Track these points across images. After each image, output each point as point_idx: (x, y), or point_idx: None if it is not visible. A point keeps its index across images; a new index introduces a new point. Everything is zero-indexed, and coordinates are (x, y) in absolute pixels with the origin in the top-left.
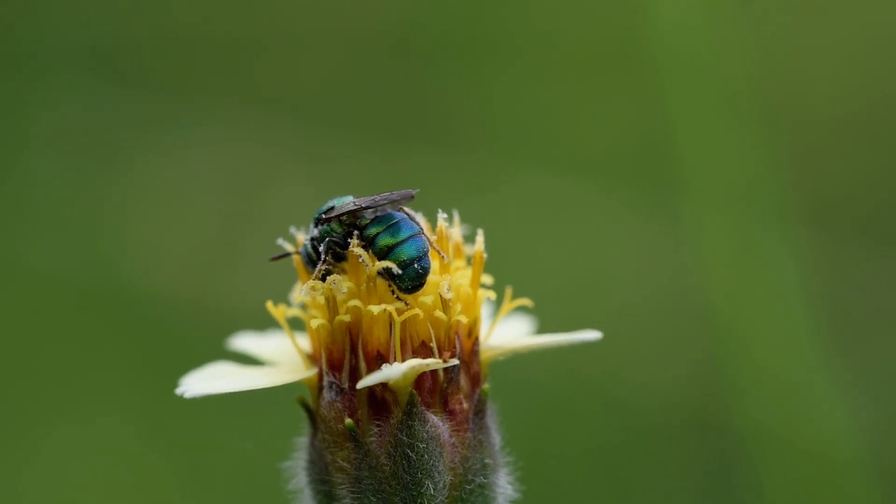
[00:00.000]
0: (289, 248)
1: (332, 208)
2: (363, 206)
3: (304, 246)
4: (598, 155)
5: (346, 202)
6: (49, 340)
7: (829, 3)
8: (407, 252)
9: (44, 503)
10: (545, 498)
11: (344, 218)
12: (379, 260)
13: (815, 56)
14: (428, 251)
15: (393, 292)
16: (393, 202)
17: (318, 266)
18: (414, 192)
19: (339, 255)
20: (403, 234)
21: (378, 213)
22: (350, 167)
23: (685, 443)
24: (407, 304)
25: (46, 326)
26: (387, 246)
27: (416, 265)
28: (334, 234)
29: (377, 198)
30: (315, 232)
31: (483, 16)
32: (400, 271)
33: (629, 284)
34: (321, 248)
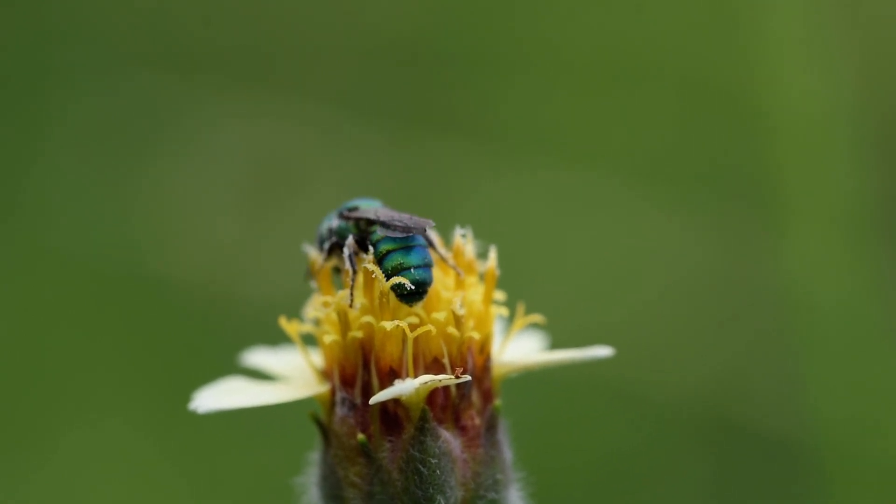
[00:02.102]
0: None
1: (356, 208)
2: (379, 219)
3: (319, 231)
4: (615, 152)
5: (371, 206)
6: (69, 329)
7: None
8: (411, 265)
9: None
10: None
11: (361, 224)
12: (386, 276)
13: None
14: (431, 268)
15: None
16: (407, 229)
17: (351, 275)
18: (431, 224)
19: (347, 255)
20: (413, 260)
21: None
22: (364, 157)
23: (704, 447)
24: (419, 318)
25: (67, 314)
26: (395, 266)
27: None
28: (348, 233)
29: (395, 217)
30: (335, 223)
31: (492, 30)
32: (411, 287)
33: (648, 281)
34: (345, 255)
